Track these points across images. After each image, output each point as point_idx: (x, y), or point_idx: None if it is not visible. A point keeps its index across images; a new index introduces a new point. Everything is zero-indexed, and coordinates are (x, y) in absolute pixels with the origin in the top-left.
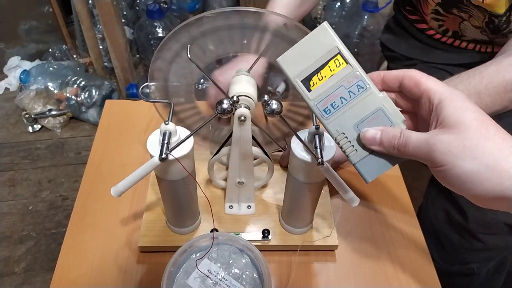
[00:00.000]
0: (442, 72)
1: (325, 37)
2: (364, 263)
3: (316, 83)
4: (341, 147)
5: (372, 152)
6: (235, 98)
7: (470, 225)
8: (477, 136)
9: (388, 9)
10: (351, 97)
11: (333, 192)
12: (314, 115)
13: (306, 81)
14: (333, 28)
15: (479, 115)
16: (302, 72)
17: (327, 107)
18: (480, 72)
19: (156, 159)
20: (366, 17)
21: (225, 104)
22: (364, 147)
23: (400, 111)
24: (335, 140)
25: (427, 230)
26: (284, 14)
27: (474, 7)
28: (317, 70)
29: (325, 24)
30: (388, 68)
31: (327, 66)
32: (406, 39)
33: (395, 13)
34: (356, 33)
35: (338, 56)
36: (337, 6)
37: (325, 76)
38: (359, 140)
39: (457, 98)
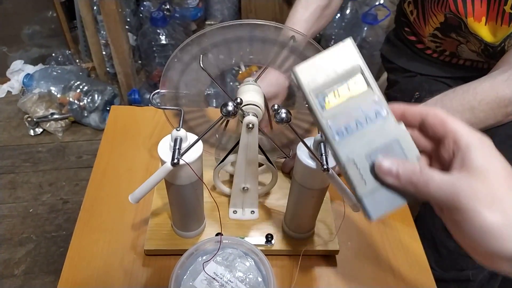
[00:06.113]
0: (441, 84)
1: (349, 53)
2: (364, 268)
3: (332, 101)
4: (348, 177)
5: (382, 185)
6: (238, 100)
7: None
8: (505, 188)
9: (387, 21)
10: (367, 123)
11: (334, 198)
12: (323, 135)
13: (322, 98)
14: (333, 39)
15: (506, 165)
16: (318, 87)
17: (340, 129)
18: (475, 87)
19: (168, 165)
20: (365, 28)
21: (230, 106)
22: (374, 179)
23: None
24: (343, 167)
25: (424, 238)
26: (303, 29)
27: (471, 35)
28: (335, 87)
29: (350, 39)
30: (388, 79)
31: (345, 85)
32: (406, 52)
33: (395, 27)
34: (356, 44)
35: (359, 76)
36: (337, 17)
37: (342, 95)
38: (369, 171)
39: (485, 144)
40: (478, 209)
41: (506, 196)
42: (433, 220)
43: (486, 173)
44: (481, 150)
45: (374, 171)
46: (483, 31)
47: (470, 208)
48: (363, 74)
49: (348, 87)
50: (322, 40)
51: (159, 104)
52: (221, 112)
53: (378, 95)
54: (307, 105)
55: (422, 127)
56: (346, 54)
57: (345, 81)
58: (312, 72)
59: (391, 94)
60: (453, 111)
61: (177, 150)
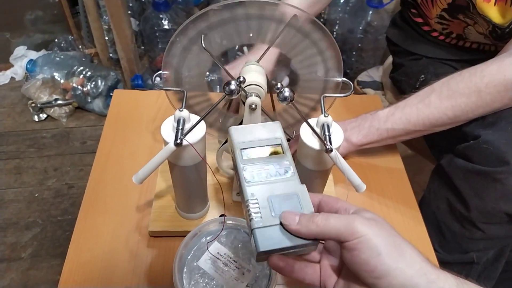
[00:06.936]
0: (447, 66)
1: (275, 129)
2: None
3: (252, 155)
4: (248, 210)
5: (277, 225)
6: (241, 79)
7: (471, 214)
8: (395, 233)
9: (392, 5)
10: (275, 175)
11: (337, 181)
12: (237, 177)
13: (245, 151)
14: (337, 23)
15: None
16: (245, 142)
17: (252, 174)
18: (482, 70)
19: (171, 145)
20: (370, 12)
21: (233, 85)
22: (271, 218)
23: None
24: (246, 202)
25: (428, 221)
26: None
27: (479, 16)
28: (258, 147)
29: (279, 123)
30: (393, 62)
31: (267, 147)
32: (412, 35)
33: (402, 9)
34: (360, 28)
35: (279, 147)
36: (341, 1)
37: (263, 154)
38: (268, 210)
39: (369, 211)
40: (372, 232)
41: (398, 237)
42: (437, 203)
43: (376, 220)
44: (367, 212)
45: (273, 211)
46: (492, 11)
47: (366, 232)
48: (282, 145)
49: (269, 150)
50: (326, 24)
51: (161, 85)
52: (223, 91)
53: (290, 160)
54: (232, 160)
55: (319, 207)
56: (273, 129)
57: (267, 146)
58: (244, 133)
59: (396, 77)
60: (460, 94)
61: (180, 131)
